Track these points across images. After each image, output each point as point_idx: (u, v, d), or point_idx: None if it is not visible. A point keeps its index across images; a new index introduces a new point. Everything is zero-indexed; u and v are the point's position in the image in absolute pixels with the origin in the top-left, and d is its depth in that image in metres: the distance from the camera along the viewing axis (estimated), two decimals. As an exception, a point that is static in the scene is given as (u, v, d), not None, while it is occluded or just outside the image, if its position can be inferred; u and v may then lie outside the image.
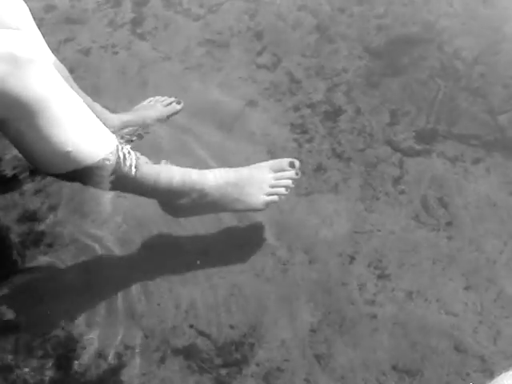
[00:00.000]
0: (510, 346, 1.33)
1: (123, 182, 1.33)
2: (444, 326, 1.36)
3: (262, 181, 1.44)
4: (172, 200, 1.41)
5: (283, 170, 1.45)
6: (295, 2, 2.16)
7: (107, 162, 1.27)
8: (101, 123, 1.31)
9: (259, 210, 1.45)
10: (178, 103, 1.83)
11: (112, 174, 1.29)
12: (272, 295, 1.41)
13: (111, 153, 1.28)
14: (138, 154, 1.35)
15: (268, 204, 1.44)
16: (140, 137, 1.72)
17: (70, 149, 1.22)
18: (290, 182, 1.45)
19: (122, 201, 1.58)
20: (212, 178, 1.41)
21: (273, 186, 1.44)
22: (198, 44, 2.05)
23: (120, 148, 1.31)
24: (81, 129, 1.25)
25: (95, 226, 1.56)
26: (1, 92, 1.11)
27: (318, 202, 1.58)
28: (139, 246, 1.51)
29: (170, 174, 1.38)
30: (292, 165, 1.46)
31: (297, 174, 1.45)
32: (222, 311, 1.39)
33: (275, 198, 1.44)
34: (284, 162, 1.47)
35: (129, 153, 1.32)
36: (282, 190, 1.44)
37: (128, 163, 1.31)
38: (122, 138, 1.63)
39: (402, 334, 1.35)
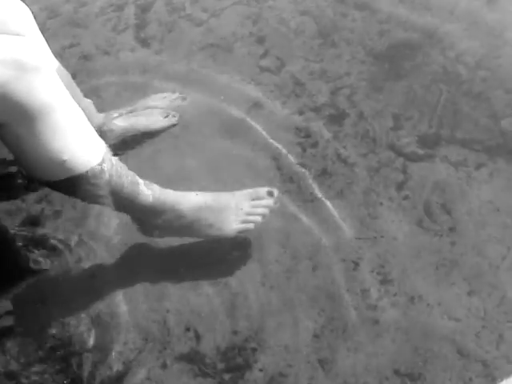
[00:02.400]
0: (513, 351, 1.33)
1: (106, 195, 1.32)
2: (446, 330, 1.36)
3: (238, 208, 1.43)
4: (148, 218, 1.41)
5: (261, 199, 1.45)
6: (297, 7, 2.17)
7: (99, 170, 1.27)
8: (93, 129, 1.30)
9: (229, 236, 1.44)
10: (183, 99, 1.84)
11: (101, 184, 1.29)
12: (275, 301, 1.41)
13: (102, 160, 1.27)
14: (123, 165, 1.35)
15: (240, 231, 1.44)
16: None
17: (66, 157, 1.22)
18: (266, 210, 1.45)
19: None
20: (190, 200, 1.41)
21: (249, 214, 1.44)
22: (201, 48, 2.05)
23: (109, 157, 1.30)
24: (78, 137, 1.25)
25: (98, 229, 1.56)
26: (4, 96, 1.11)
27: (323, 207, 1.58)
28: (142, 251, 1.51)
29: (150, 190, 1.38)
30: (270, 194, 1.46)
31: (275, 203, 1.45)
32: (225, 317, 1.39)
33: (250, 225, 1.44)
34: (262, 190, 1.46)
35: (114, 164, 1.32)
36: (258, 219, 1.44)
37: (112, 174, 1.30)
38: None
39: (405, 339, 1.35)
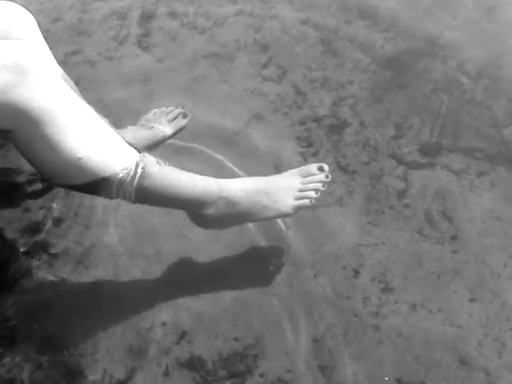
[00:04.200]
0: (516, 359, 1.33)
1: (143, 195, 1.29)
2: (448, 338, 1.36)
3: (289, 186, 1.41)
4: (198, 210, 1.37)
5: (312, 175, 1.44)
6: (300, 17, 2.18)
7: (124, 175, 1.23)
8: (117, 135, 1.27)
9: (289, 215, 1.42)
10: (185, 116, 1.82)
11: (129, 187, 1.25)
12: (277, 308, 1.41)
13: (129, 166, 1.24)
14: (159, 161, 1.31)
15: (298, 208, 1.41)
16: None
17: (80, 157, 1.18)
18: (319, 185, 1.42)
19: (127, 214, 1.59)
20: (239, 186, 1.39)
21: (302, 191, 1.41)
22: (204, 56, 2.06)
23: (140, 160, 1.26)
24: (92, 138, 1.21)
25: (101, 238, 1.56)
26: (8, 102, 1.10)
27: (323, 215, 1.58)
28: (146, 259, 1.51)
29: (192, 183, 1.34)
30: (321, 169, 1.43)
31: (327, 176, 1.43)
32: (226, 324, 1.39)
33: (306, 201, 1.41)
34: (312, 166, 1.44)
35: (144, 165, 1.27)
36: (312, 194, 1.41)
37: (146, 175, 1.26)
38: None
39: (406, 347, 1.35)
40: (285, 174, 1.45)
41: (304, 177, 1.43)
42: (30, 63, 1.13)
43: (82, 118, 1.21)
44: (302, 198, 1.41)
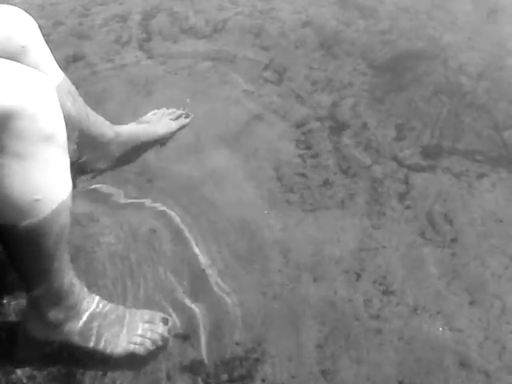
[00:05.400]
0: (516, 361, 1.33)
1: None
2: (449, 341, 1.37)
3: (132, 327, 1.34)
4: (42, 308, 1.27)
5: (156, 324, 1.37)
6: (300, 19, 2.18)
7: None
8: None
9: (117, 356, 1.32)
10: (187, 116, 1.83)
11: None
12: (278, 312, 1.41)
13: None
14: None
15: (129, 353, 1.33)
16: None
17: (38, 196, 1.10)
18: (158, 338, 1.35)
19: (127, 215, 1.59)
20: (90, 305, 1.31)
21: (141, 336, 1.34)
22: (204, 59, 2.06)
23: None
24: (52, 176, 1.13)
25: (101, 239, 1.56)
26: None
27: (324, 218, 1.59)
28: (145, 261, 1.51)
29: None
30: (165, 321, 1.37)
31: (169, 333, 1.36)
32: (227, 328, 1.39)
33: (140, 349, 1.33)
34: (158, 316, 1.38)
35: None
36: (149, 344, 1.34)
37: None
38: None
39: (407, 349, 1.35)
40: (133, 312, 1.37)
41: (148, 322, 1.36)
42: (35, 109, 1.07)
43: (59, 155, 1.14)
44: (138, 344, 1.34)
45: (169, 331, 1.36)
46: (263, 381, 1.31)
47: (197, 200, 1.62)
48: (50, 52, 1.48)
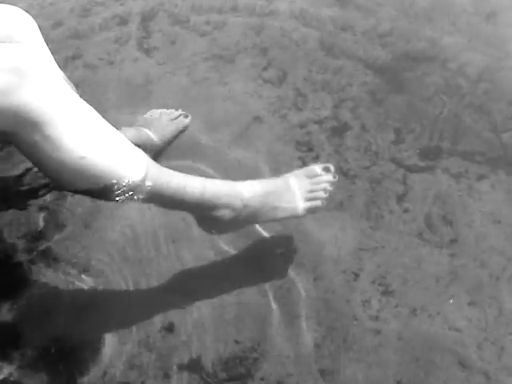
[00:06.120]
0: (515, 362, 1.33)
1: (152, 198, 1.28)
2: (448, 341, 1.37)
3: (298, 187, 1.41)
4: (208, 213, 1.36)
5: (318, 176, 1.43)
6: (300, 19, 2.18)
7: (133, 182, 1.23)
8: (122, 136, 1.26)
9: (300, 216, 1.42)
10: (186, 117, 1.83)
11: (139, 193, 1.25)
12: (277, 311, 1.41)
13: (136, 171, 1.24)
14: (165, 171, 1.31)
15: (309, 210, 1.41)
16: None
17: (83, 156, 1.17)
18: (327, 185, 1.42)
19: (128, 217, 1.59)
20: (247, 188, 1.38)
21: (311, 191, 1.41)
22: (204, 59, 2.06)
23: (148, 164, 1.27)
24: (96, 139, 1.20)
25: (102, 242, 1.56)
26: (9, 104, 1.10)
27: (324, 219, 1.59)
28: (145, 262, 1.51)
29: (201, 185, 1.33)
30: (327, 169, 1.43)
31: (334, 177, 1.43)
32: (227, 327, 1.39)
33: (318, 202, 1.40)
34: (317, 167, 1.44)
35: (152, 169, 1.28)
36: (321, 194, 1.40)
37: (155, 180, 1.27)
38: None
39: (406, 350, 1.36)
40: (291, 175, 1.44)
41: (310, 178, 1.42)
42: (30, 66, 1.12)
43: (84, 119, 1.20)
44: (312, 199, 1.40)
45: (334, 175, 1.43)
46: (262, 379, 1.31)
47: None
48: (49, 52, 1.48)
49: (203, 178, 1.36)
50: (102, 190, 1.22)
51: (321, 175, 1.43)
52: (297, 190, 1.40)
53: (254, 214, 1.38)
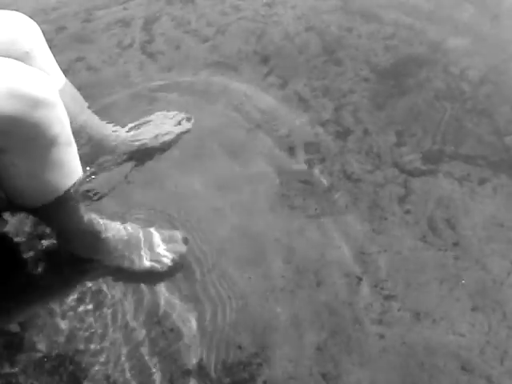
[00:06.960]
0: (517, 366, 1.33)
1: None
2: (451, 346, 1.37)
3: (152, 246, 1.48)
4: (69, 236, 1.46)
5: (175, 242, 1.50)
6: (302, 23, 2.18)
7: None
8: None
9: (139, 271, 1.47)
10: (188, 120, 1.83)
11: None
12: (280, 316, 1.41)
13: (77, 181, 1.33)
14: None
15: (149, 270, 1.47)
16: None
17: (56, 183, 1.28)
18: (177, 256, 1.49)
19: (130, 218, 1.59)
20: (113, 229, 1.47)
21: (161, 255, 1.48)
22: (207, 64, 2.06)
23: None
24: (72, 164, 1.31)
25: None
26: (14, 128, 1.12)
27: (327, 223, 1.59)
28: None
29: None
30: (185, 241, 1.51)
31: (186, 250, 1.50)
32: (230, 332, 1.39)
33: (158, 266, 1.47)
34: (177, 235, 1.51)
35: None
36: (168, 262, 1.48)
37: None
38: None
39: (410, 354, 1.35)
40: (148, 232, 1.51)
41: (167, 242, 1.50)
42: (43, 96, 1.15)
43: (71, 148, 1.29)
44: (158, 262, 1.48)
45: (186, 249, 1.49)
46: (264, 383, 1.31)
47: (199, 206, 1.62)
48: (53, 57, 1.49)
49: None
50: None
51: (176, 243, 1.50)
52: (148, 248, 1.48)
53: (101, 252, 1.46)
